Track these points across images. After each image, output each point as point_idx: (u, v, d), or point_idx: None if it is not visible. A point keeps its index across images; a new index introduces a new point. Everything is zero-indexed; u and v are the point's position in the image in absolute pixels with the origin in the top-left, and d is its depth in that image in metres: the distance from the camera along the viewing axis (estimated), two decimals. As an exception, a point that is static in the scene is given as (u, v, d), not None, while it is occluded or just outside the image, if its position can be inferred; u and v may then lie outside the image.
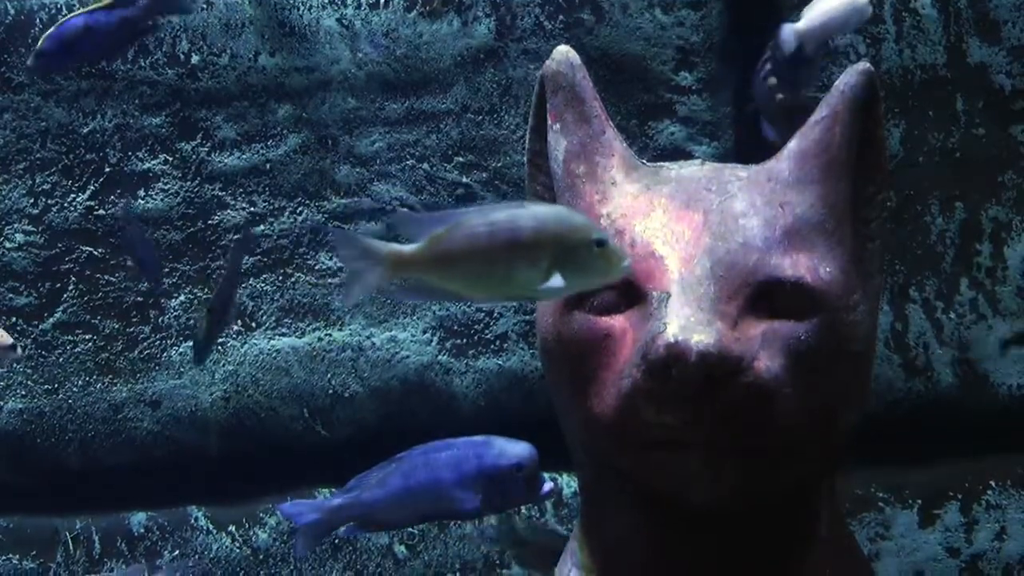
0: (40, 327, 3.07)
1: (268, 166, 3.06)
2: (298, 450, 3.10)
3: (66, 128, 3.05)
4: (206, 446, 3.09)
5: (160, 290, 3.01)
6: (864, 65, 1.93)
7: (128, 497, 3.12)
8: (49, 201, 3.05)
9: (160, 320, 3.07)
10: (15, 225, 3.06)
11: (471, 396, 3.07)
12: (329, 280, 3.07)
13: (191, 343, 2.99)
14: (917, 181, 2.98)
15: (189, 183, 3.06)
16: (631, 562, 1.92)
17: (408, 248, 1.59)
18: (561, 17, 3.02)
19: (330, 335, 3.07)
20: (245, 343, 3.07)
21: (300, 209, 3.06)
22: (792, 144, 1.91)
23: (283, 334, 3.07)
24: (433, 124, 3.05)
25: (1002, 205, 2.98)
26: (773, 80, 2.47)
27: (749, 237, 1.80)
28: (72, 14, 2.69)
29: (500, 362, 3.06)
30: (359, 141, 3.05)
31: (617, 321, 1.79)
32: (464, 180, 3.04)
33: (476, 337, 3.07)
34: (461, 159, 3.05)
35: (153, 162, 3.06)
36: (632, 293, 1.79)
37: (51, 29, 2.66)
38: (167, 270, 3.05)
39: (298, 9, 3.05)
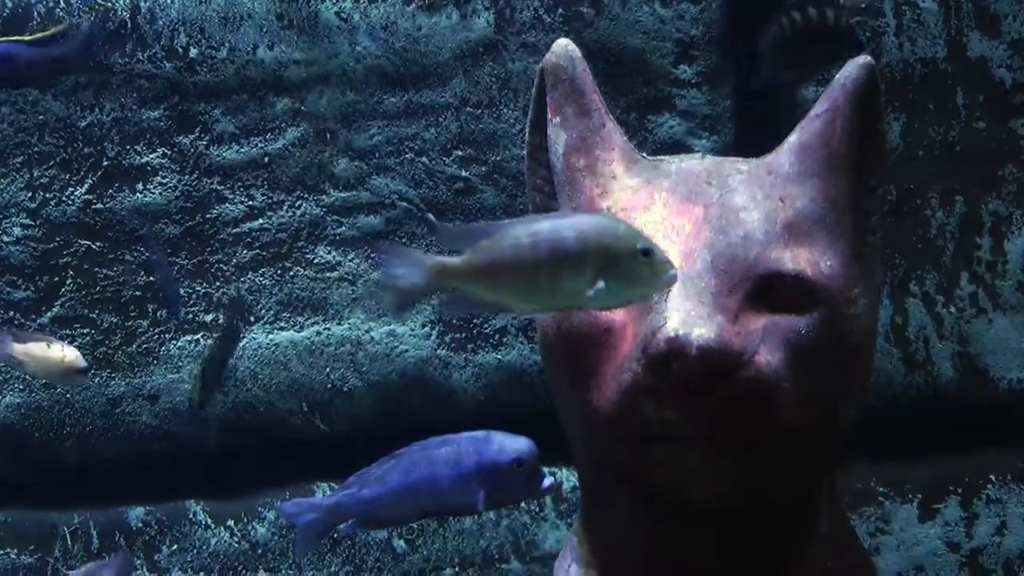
0: (38, 321, 3.06)
1: (267, 159, 3.06)
2: (297, 444, 3.09)
3: (64, 122, 3.04)
4: (204, 440, 3.09)
5: (177, 319, 3.00)
6: (864, 58, 1.92)
7: (126, 491, 3.12)
8: (47, 195, 3.05)
9: (158, 314, 3.06)
10: (13, 219, 3.05)
11: (470, 390, 3.07)
12: (328, 274, 3.06)
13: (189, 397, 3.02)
14: (917, 175, 2.98)
15: (187, 177, 3.05)
16: (631, 557, 1.92)
17: (453, 259, 1.59)
18: (560, 10, 3.01)
19: (329, 329, 3.06)
20: (243, 337, 3.06)
21: (299, 203, 3.05)
22: (792, 137, 1.90)
23: (282, 328, 3.07)
24: (432, 118, 3.04)
25: (1002, 199, 2.98)
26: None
27: (749, 231, 1.79)
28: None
29: (499, 356, 3.06)
30: (358, 134, 3.05)
31: (617, 315, 1.79)
32: (463, 174, 3.04)
33: (475, 331, 3.06)
34: (460, 153, 3.04)
35: (151, 156, 3.05)
36: (632, 287, 1.78)
37: None
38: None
39: (296, 2, 3.04)
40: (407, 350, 3.06)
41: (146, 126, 3.05)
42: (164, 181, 3.05)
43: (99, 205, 3.05)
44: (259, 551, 3.08)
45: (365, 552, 3.07)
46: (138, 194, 3.04)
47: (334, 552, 3.07)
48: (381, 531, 3.04)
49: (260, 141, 3.05)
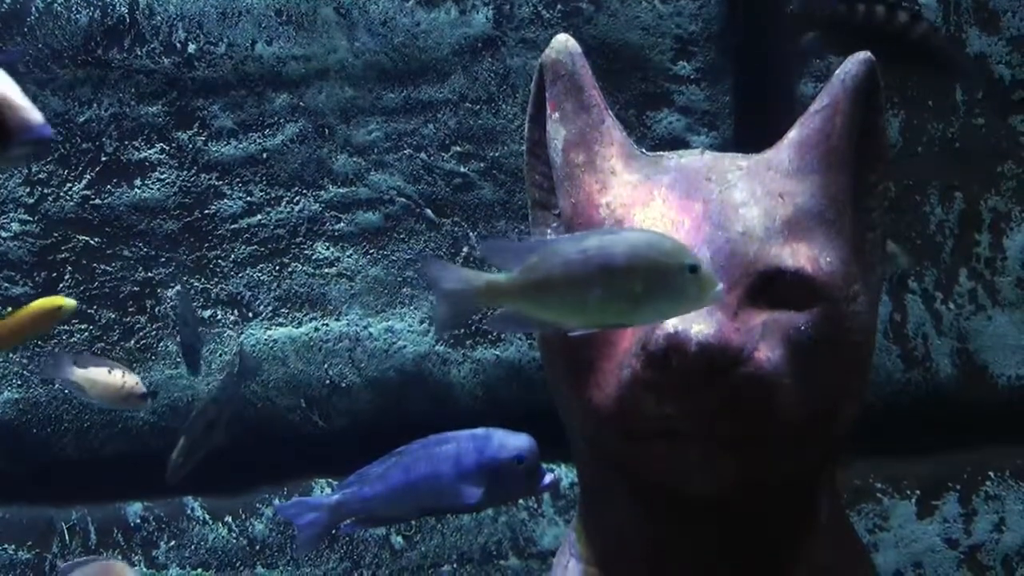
0: (36, 317, 3.06)
1: (265, 155, 3.05)
2: (295, 440, 3.09)
3: (62, 117, 3.03)
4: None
5: (196, 375, 3.00)
6: (865, 54, 1.92)
7: (124, 487, 3.11)
8: (45, 190, 3.04)
9: (156, 310, 3.06)
10: (11, 214, 3.04)
11: (468, 386, 3.06)
12: (326, 270, 3.06)
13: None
14: (916, 171, 2.98)
15: (186, 172, 3.05)
16: (630, 552, 1.92)
17: (503, 277, 1.58)
18: (559, 6, 3.01)
19: (327, 325, 3.06)
20: (242, 333, 3.06)
21: (297, 199, 3.05)
22: (792, 133, 1.90)
23: (280, 324, 3.07)
24: (431, 113, 3.04)
25: (1001, 195, 2.98)
26: None
27: (749, 227, 1.79)
28: None
29: (498, 352, 3.06)
30: (356, 130, 3.04)
31: (617, 312, 1.79)
32: (462, 170, 3.04)
33: (473, 327, 3.06)
34: (459, 149, 3.04)
35: (150, 151, 3.05)
36: (632, 283, 1.78)
37: None
38: (163, 260, 3.04)
39: (295, -2, 3.04)
40: (405, 346, 3.06)
41: (144, 122, 3.04)
42: (162, 177, 3.05)
43: (97, 201, 3.04)
44: (257, 547, 3.07)
45: (363, 548, 3.07)
46: (136, 190, 3.04)
47: (332, 548, 3.06)
48: (379, 528, 3.04)
49: (258, 137, 3.05)
